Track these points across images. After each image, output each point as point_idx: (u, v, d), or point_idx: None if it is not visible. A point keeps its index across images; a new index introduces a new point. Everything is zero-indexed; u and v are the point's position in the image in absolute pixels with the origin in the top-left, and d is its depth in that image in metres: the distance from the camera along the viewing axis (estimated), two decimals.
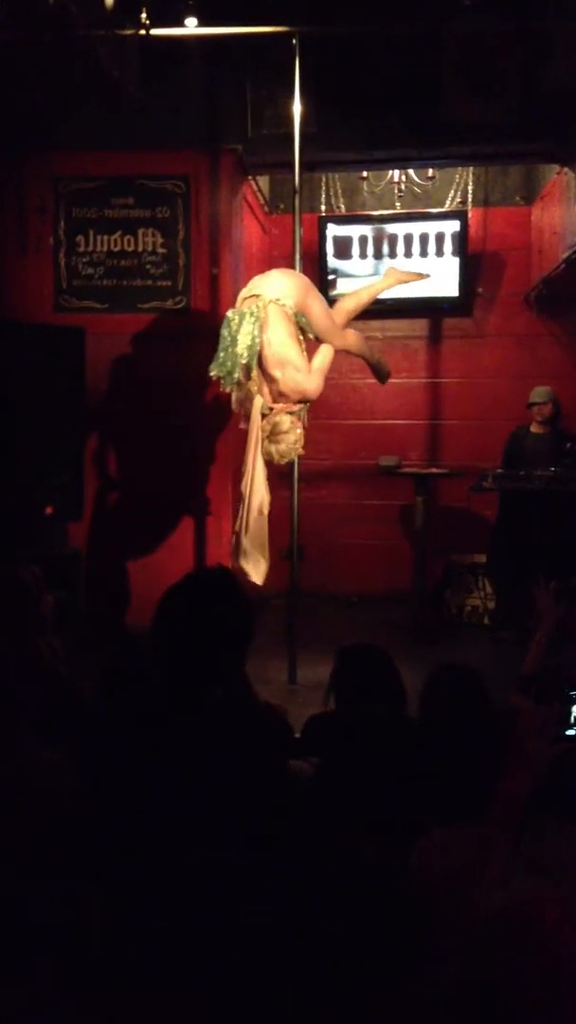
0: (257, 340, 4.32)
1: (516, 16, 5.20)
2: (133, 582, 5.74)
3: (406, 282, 5.20)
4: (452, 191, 7.24)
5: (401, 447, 7.18)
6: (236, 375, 4.40)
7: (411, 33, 5.35)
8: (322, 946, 1.47)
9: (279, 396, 4.46)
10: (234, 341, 4.36)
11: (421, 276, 5.25)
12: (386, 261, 7.17)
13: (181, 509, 6.07)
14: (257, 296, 4.40)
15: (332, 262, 7.29)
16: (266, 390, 4.45)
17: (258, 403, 4.45)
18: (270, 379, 4.41)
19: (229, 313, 4.47)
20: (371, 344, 5.45)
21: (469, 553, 6.75)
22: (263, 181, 7.12)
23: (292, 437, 4.48)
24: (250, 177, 6.47)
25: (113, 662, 2.17)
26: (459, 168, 7.09)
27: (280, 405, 4.46)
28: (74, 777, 1.70)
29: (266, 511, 4.60)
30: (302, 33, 4.91)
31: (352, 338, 4.96)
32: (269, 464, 4.62)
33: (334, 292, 7.01)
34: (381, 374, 5.33)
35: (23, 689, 1.82)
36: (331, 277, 7.23)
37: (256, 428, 4.46)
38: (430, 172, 7.02)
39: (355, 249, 7.31)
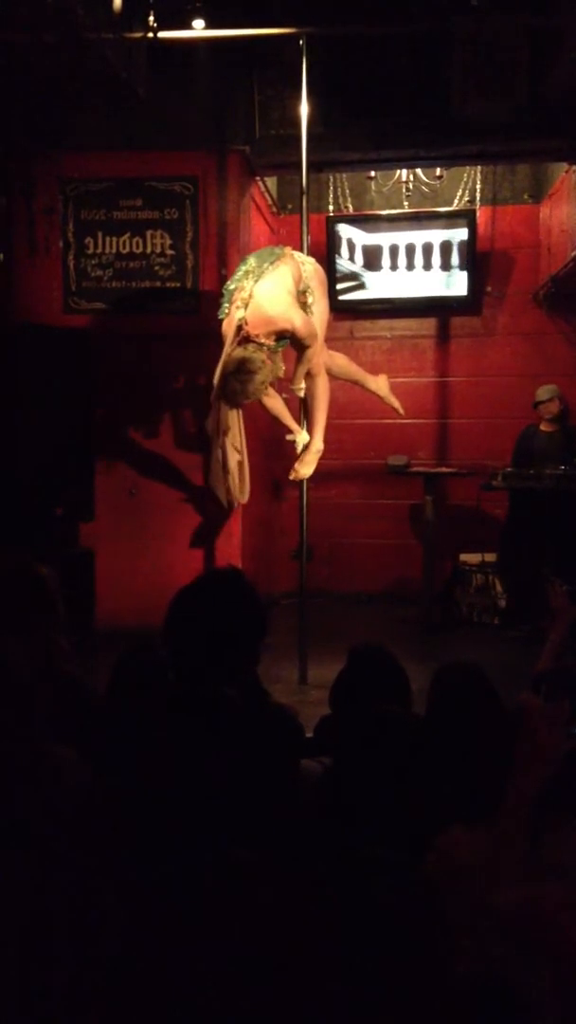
0: (265, 270, 4.38)
1: (524, 13, 5.19)
2: (144, 582, 5.75)
3: (387, 398, 5.44)
4: (460, 190, 7.23)
5: (410, 446, 7.18)
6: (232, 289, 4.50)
7: (418, 32, 5.35)
8: (334, 945, 1.47)
9: (263, 323, 4.43)
10: (245, 274, 4.50)
11: (399, 412, 5.54)
12: (390, 272, 7.21)
13: (191, 509, 6.08)
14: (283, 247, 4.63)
15: (340, 263, 7.30)
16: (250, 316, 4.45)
17: (237, 315, 4.43)
18: (257, 307, 4.44)
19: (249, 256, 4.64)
20: (375, 381, 5.50)
21: (479, 552, 6.75)
22: (271, 182, 7.12)
23: (260, 377, 4.45)
24: (258, 178, 6.47)
25: (126, 662, 2.18)
26: (467, 167, 7.08)
27: (256, 331, 4.41)
28: (87, 774, 1.71)
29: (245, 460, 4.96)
30: (309, 34, 4.91)
31: (339, 358, 5.21)
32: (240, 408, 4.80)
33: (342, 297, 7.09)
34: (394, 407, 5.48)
35: (37, 687, 1.83)
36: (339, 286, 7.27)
37: (226, 350, 4.45)
38: (438, 171, 7.01)
39: (363, 256, 7.33)
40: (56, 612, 2.39)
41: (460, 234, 7.10)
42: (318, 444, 4.95)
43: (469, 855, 1.55)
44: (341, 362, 5.32)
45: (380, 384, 5.43)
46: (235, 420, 4.95)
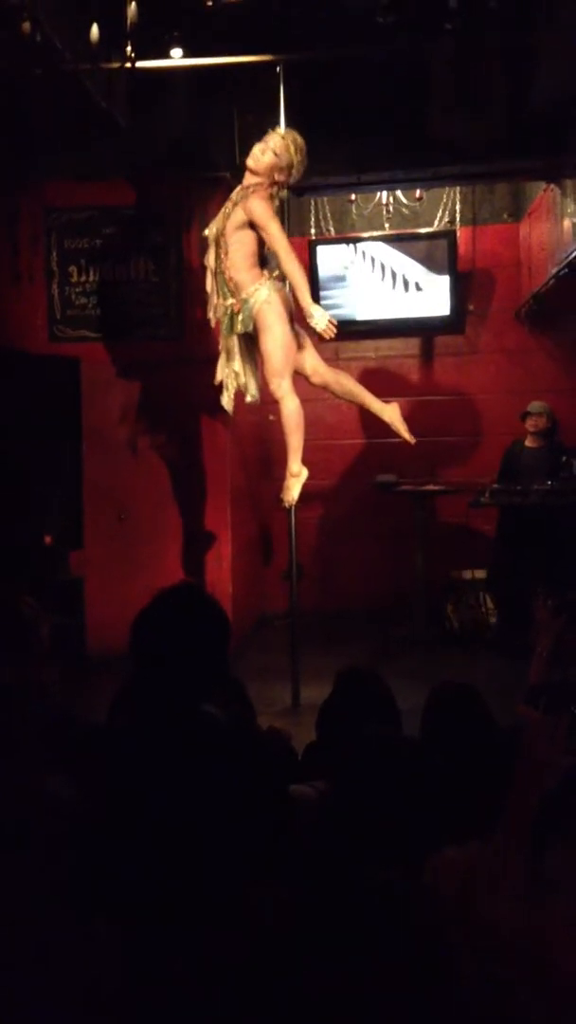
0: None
1: (500, 34, 5.24)
2: (134, 608, 5.72)
3: (393, 426, 5.26)
4: (440, 211, 7.30)
5: (398, 465, 7.20)
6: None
7: (395, 56, 5.41)
8: (334, 970, 1.46)
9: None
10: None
11: (409, 441, 5.30)
12: (373, 294, 7.27)
13: (179, 535, 6.07)
14: None
15: (323, 286, 7.34)
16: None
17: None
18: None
19: None
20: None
21: (469, 568, 6.75)
22: None
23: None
24: None
25: (125, 692, 2.18)
26: (446, 188, 7.15)
27: None
28: (78, 803, 1.70)
29: None
30: (286, 61, 4.96)
31: (343, 378, 5.26)
32: None
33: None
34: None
35: (26, 719, 1.83)
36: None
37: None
38: (418, 193, 7.08)
39: (345, 278, 7.38)
40: (38, 643, 2.39)
41: (442, 255, 7.16)
42: (292, 468, 4.93)
43: (466, 875, 1.54)
44: (345, 381, 5.26)
45: (391, 414, 5.28)
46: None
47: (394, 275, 7.29)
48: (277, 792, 1.86)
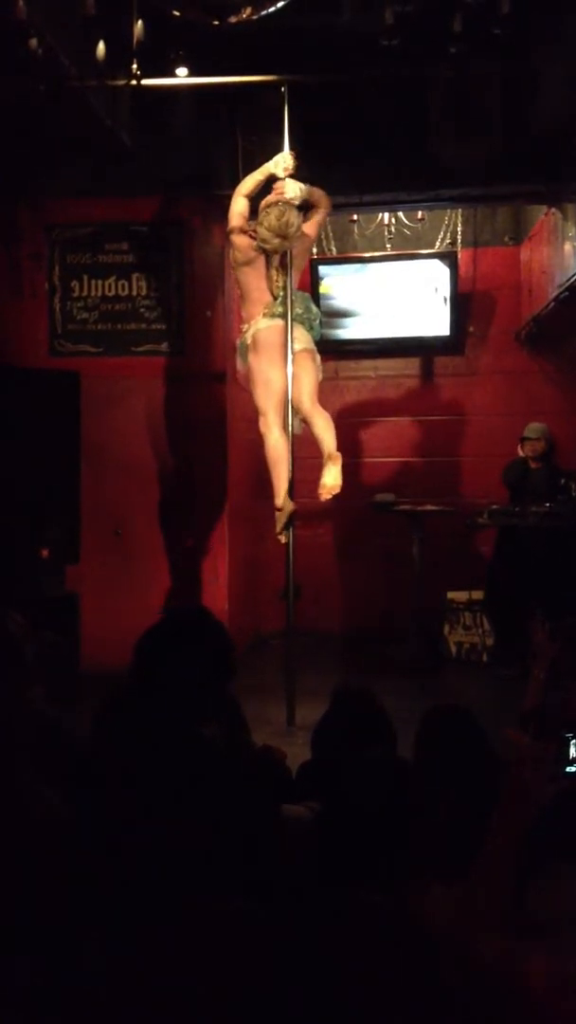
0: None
1: (501, 58, 5.28)
2: (130, 623, 5.70)
3: (326, 471, 4.85)
4: (442, 232, 7.34)
5: (396, 484, 7.20)
6: None
7: (397, 78, 5.44)
8: (324, 996, 1.44)
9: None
10: None
11: (320, 493, 4.85)
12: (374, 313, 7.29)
13: (177, 551, 6.06)
14: None
15: (324, 305, 7.36)
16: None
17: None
18: None
19: None
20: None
21: (466, 589, 6.74)
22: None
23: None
24: None
25: (107, 706, 2.16)
26: (448, 210, 7.19)
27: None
28: (70, 819, 1.69)
29: None
30: (290, 81, 4.99)
31: (319, 417, 5.05)
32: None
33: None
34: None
35: (17, 731, 1.81)
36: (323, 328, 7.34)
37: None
38: (419, 214, 7.11)
39: (347, 298, 7.41)
40: (24, 659, 2.38)
41: (443, 277, 7.19)
42: (276, 502, 4.85)
43: (454, 908, 1.52)
44: (319, 422, 5.00)
45: (329, 465, 4.83)
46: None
47: (395, 295, 7.32)
48: (269, 811, 1.85)
